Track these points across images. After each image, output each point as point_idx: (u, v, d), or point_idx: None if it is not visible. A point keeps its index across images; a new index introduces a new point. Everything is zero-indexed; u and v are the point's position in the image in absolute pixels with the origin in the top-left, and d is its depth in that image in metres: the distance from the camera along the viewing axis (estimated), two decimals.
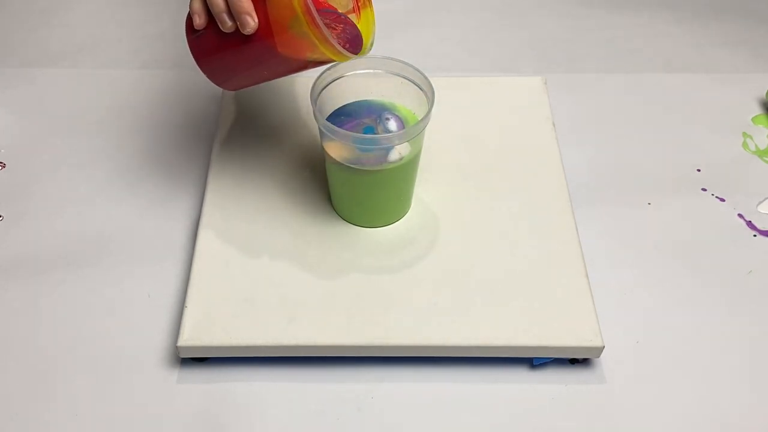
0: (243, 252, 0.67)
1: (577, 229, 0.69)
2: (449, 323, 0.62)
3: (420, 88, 0.65)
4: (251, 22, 0.57)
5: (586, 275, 0.65)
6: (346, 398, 0.62)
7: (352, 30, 0.64)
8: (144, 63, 0.88)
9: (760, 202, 0.76)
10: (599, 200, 0.75)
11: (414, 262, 0.67)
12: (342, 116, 0.66)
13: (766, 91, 0.85)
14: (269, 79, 0.64)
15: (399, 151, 0.63)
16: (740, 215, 0.75)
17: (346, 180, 0.66)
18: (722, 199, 0.76)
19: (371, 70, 0.67)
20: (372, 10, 0.65)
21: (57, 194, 0.75)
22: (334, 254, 0.67)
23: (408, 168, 0.66)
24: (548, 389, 0.63)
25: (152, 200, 0.75)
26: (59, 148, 0.79)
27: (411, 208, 0.70)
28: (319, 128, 0.64)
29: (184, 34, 0.63)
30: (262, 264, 0.66)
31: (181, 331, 0.62)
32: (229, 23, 0.58)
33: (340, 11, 0.65)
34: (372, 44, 0.64)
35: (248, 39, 0.58)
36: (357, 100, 0.67)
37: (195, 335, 0.61)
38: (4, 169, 0.78)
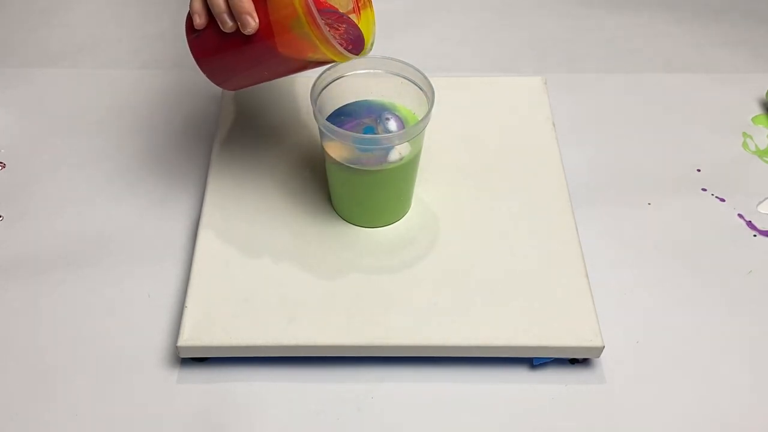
0: (243, 252, 0.67)
1: (577, 229, 0.69)
2: (449, 323, 0.62)
3: (420, 88, 0.65)
4: (252, 23, 0.57)
5: (586, 275, 0.65)
6: (346, 398, 0.62)
7: (355, 30, 0.64)
8: (144, 63, 0.88)
9: (760, 202, 0.76)
10: (599, 200, 0.75)
11: (414, 262, 0.67)
12: (342, 116, 0.66)
13: (766, 91, 0.85)
14: (269, 79, 0.64)
15: (399, 151, 0.63)
16: (740, 215, 0.75)
17: (346, 180, 0.66)
18: (722, 199, 0.76)
19: (371, 70, 0.67)
20: (372, 11, 0.65)
21: (57, 194, 0.75)
22: (334, 254, 0.67)
23: (408, 168, 0.66)
24: (548, 389, 0.63)
25: (152, 200, 0.75)
26: (59, 148, 0.79)
27: (411, 208, 0.70)
28: (319, 128, 0.64)
29: (184, 34, 0.63)
30: (262, 264, 0.66)
31: (181, 331, 0.62)
32: (230, 23, 0.58)
33: (341, 11, 0.65)
34: (372, 45, 0.64)
35: (249, 39, 0.58)
36: (357, 100, 0.67)
37: (195, 335, 0.61)
38: (4, 169, 0.78)
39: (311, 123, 0.76)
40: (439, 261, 0.67)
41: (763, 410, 0.62)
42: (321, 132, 0.64)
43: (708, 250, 0.72)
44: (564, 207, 0.70)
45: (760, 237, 0.73)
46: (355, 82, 0.67)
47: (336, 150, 0.64)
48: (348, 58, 0.59)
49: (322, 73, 0.65)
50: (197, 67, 0.64)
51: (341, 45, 0.58)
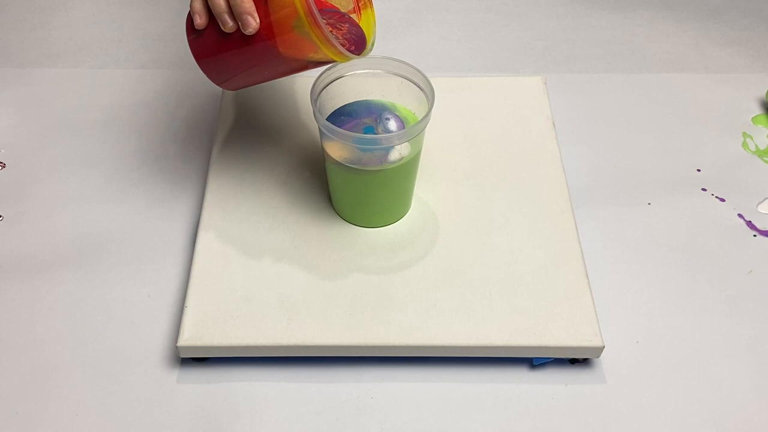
0: (243, 252, 0.67)
1: (577, 229, 0.69)
2: (449, 323, 0.62)
3: (420, 88, 0.65)
4: (253, 23, 0.57)
5: (586, 275, 0.65)
6: (346, 398, 0.62)
7: (357, 30, 0.64)
8: (144, 63, 0.88)
9: (760, 202, 0.76)
10: (599, 200, 0.75)
11: (414, 262, 0.67)
12: (342, 116, 0.66)
13: (766, 91, 0.85)
14: (270, 79, 0.64)
15: (399, 151, 0.63)
16: (740, 215, 0.75)
17: (346, 180, 0.66)
18: (722, 199, 0.76)
19: (371, 70, 0.67)
20: (372, 11, 0.65)
21: (57, 194, 0.75)
22: (334, 254, 0.67)
23: (408, 168, 0.66)
24: (548, 389, 0.63)
25: (152, 200, 0.75)
26: (59, 148, 0.79)
27: (411, 208, 0.70)
28: (319, 128, 0.64)
29: (184, 34, 0.63)
30: (262, 264, 0.66)
31: (181, 331, 0.62)
32: (231, 23, 0.58)
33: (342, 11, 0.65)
34: (373, 45, 0.63)
35: (249, 39, 0.58)
36: (357, 100, 0.67)
37: (195, 335, 0.61)
38: (4, 169, 0.78)
39: (311, 123, 0.76)
40: (439, 261, 0.67)
41: (763, 410, 0.62)
42: (321, 132, 0.64)
43: (708, 250, 0.72)
44: (564, 207, 0.70)
45: (760, 237, 0.73)
46: (355, 82, 0.67)
47: (336, 150, 0.64)
48: (349, 59, 0.59)
49: (322, 73, 0.65)
50: (197, 67, 0.64)
51: (344, 45, 0.58)
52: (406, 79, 0.66)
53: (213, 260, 0.66)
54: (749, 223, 0.74)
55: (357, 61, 0.62)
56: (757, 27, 0.94)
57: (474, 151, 0.75)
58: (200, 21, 0.60)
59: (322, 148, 0.65)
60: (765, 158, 0.80)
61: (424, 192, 0.71)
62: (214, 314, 0.63)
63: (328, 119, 0.66)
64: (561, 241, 0.68)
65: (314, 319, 0.62)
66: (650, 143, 0.81)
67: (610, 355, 0.65)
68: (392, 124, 0.64)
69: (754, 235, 0.73)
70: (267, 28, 0.57)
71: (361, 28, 0.64)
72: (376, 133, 0.64)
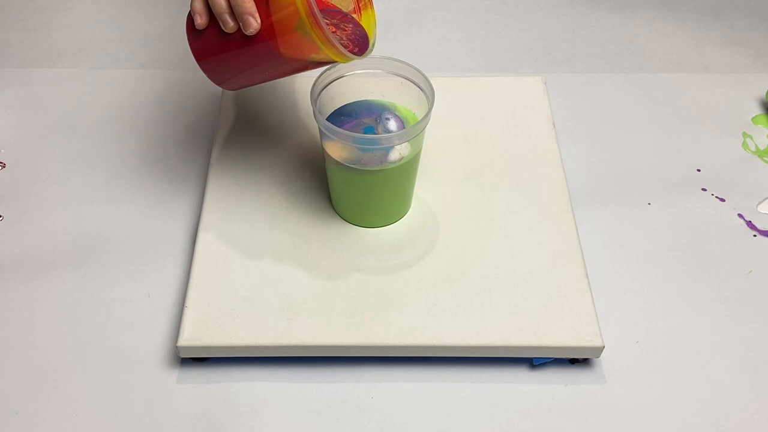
0: (243, 252, 0.67)
1: (577, 229, 0.69)
2: (449, 323, 0.62)
3: (420, 88, 0.65)
4: (254, 23, 0.57)
5: (586, 275, 0.65)
6: (346, 398, 0.62)
7: (360, 31, 0.64)
8: (144, 63, 0.88)
9: (760, 202, 0.76)
10: (599, 200, 0.75)
11: (414, 262, 0.67)
12: (342, 116, 0.66)
13: (766, 91, 0.85)
14: (270, 80, 0.64)
15: (399, 151, 0.63)
16: (740, 215, 0.75)
17: (346, 180, 0.66)
18: (722, 199, 0.76)
19: (371, 70, 0.67)
20: (373, 11, 0.65)
21: (57, 194, 0.75)
22: (334, 254, 0.67)
23: (408, 168, 0.66)
24: (548, 389, 0.63)
25: (152, 200, 0.75)
26: (59, 148, 0.79)
27: (411, 208, 0.70)
28: (319, 128, 0.64)
29: (185, 34, 0.63)
30: (262, 264, 0.66)
31: (181, 331, 0.62)
32: (231, 24, 0.58)
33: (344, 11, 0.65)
34: (374, 45, 0.63)
35: (250, 39, 0.58)
36: (357, 100, 0.67)
37: (195, 335, 0.61)
38: (4, 169, 0.78)
39: (311, 123, 0.76)
40: (439, 261, 0.67)
41: (763, 410, 0.62)
42: (321, 132, 0.64)
43: (708, 250, 0.72)
44: (564, 207, 0.70)
45: (760, 237, 0.73)
46: (355, 82, 0.67)
47: (336, 150, 0.64)
48: (350, 59, 0.59)
49: (322, 73, 0.65)
50: (197, 67, 0.63)
51: (347, 46, 0.58)
52: (406, 79, 0.66)
53: (213, 260, 0.66)
54: (749, 223, 0.74)
55: (357, 61, 0.62)
56: (757, 27, 0.94)
57: (474, 151, 0.75)
58: (201, 21, 0.60)
59: (322, 148, 0.65)
60: (765, 158, 0.80)
61: (424, 192, 0.71)
62: (214, 314, 0.63)
63: (328, 119, 0.66)
64: (561, 241, 0.68)
65: (314, 319, 0.62)
66: (650, 143, 0.81)
67: (610, 355, 0.65)
68: (392, 124, 0.64)
69: (754, 235, 0.73)
70: (268, 29, 0.57)
71: (363, 28, 0.64)
72: (376, 133, 0.64)
